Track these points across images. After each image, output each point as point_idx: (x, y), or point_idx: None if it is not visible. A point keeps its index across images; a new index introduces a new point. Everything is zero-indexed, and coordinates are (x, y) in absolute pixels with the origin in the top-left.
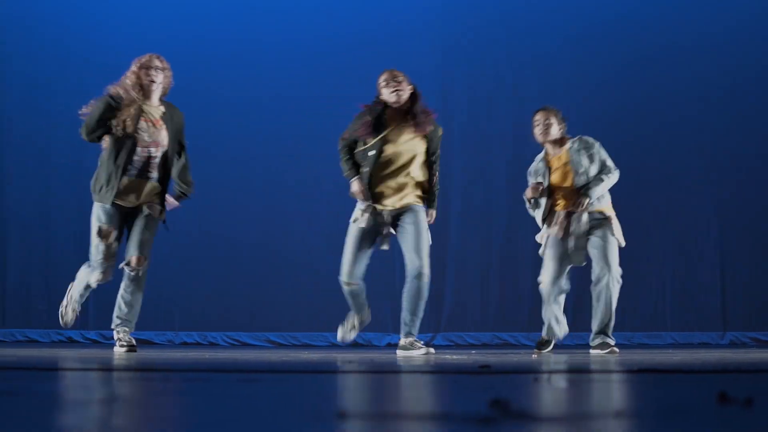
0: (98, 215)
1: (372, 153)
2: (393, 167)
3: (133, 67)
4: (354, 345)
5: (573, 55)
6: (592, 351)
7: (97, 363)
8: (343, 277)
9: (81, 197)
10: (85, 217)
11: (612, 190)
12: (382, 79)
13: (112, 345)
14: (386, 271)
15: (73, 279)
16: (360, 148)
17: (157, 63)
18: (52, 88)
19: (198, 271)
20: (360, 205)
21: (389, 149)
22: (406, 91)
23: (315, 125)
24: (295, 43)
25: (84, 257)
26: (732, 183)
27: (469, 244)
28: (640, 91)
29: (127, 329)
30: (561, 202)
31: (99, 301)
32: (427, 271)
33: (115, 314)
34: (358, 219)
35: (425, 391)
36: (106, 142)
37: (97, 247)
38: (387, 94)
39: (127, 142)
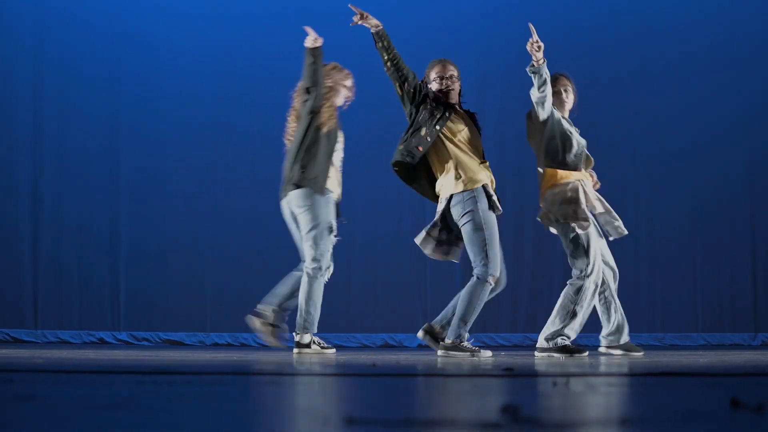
0: (327, 209)
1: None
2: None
3: (342, 79)
4: (385, 346)
5: (606, 55)
6: (614, 351)
7: (116, 366)
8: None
9: (114, 200)
10: (118, 219)
11: (642, 191)
12: (434, 72)
13: (144, 346)
14: (417, 271)
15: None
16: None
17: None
18: (88, 92)
19: (229, 272)
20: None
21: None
22: (456, 89)
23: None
24: (340, 45)
25: (116, 258)
26: (764, 183)
27: (501, 243)
28: (675, 93)
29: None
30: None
31: (129, 302)
32: None
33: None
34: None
35: (441, 396)
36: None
37: (329, 240)
38: (437, 89)
39: (332, 138)
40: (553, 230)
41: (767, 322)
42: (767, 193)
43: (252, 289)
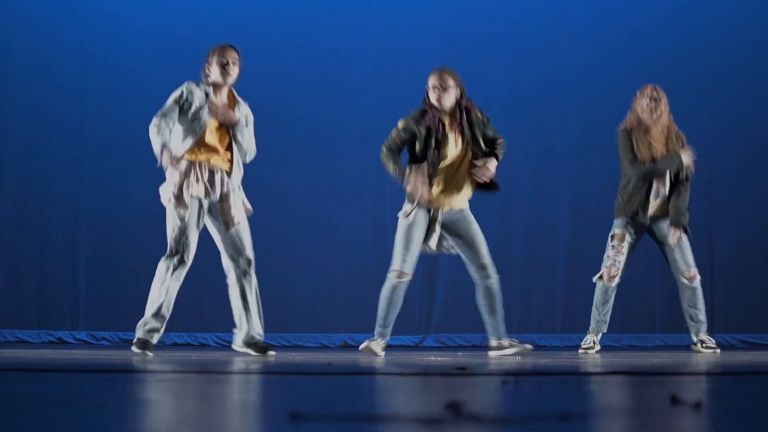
0: None
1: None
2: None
3: None
4: (344, 346)
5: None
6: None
7: (72, 364)
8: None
9: (75, 199)
10: (79, 219)
11: (598, 192)
12: (430, 83)
13: (103, 346)
14: (378, 272)
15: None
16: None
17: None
18: (53, 87)
19: (190, 272)
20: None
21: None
22: (451, 97)
23: (313, 125)
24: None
25: (76, 257)
26: (720, 185)
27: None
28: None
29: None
30: None
31: (89, 301)
32: None
33: None
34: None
35: (392, 393)
36: None
37: None
38: (433, 98)
39: None
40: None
41: (723, 323)
42: (724, 197)
43: (212, 289)
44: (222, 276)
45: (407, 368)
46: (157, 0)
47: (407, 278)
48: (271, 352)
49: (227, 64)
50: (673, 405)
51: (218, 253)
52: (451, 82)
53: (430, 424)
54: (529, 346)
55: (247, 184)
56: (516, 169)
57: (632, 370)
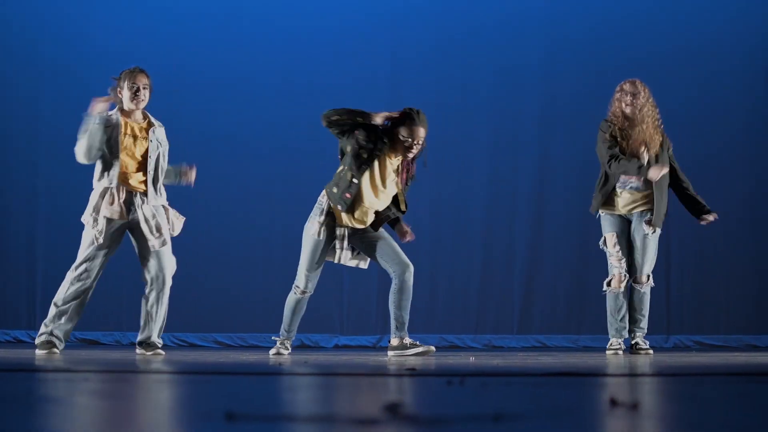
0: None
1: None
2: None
3: None
4: (301, 346)
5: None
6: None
7: (22, 364)
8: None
9: (32, 197)
10: (36, 217)
11: (555, 192)
12: (405, 132)
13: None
14: (334, 272)
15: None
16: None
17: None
18: (6, 90)
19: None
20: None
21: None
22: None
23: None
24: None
25: (33, 256)
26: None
27: (418, 245)
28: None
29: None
30: None
31: (46, 301)
32: None
33: None
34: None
35: (334, 393)
36: None
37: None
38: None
39: None
40: None
41: (679, 325)
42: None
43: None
44: (178, 275)
45: (359, 368)
46: (109, 4)
47: None
48: (160, 352)
49: (138, 90)
50: (611, 406)
51: (180, 253)
52: (424, 137)
53: (365, 425)
54: (432, 348)
55: (203, 189)
56: (473, 168)
57: (581, 372)
